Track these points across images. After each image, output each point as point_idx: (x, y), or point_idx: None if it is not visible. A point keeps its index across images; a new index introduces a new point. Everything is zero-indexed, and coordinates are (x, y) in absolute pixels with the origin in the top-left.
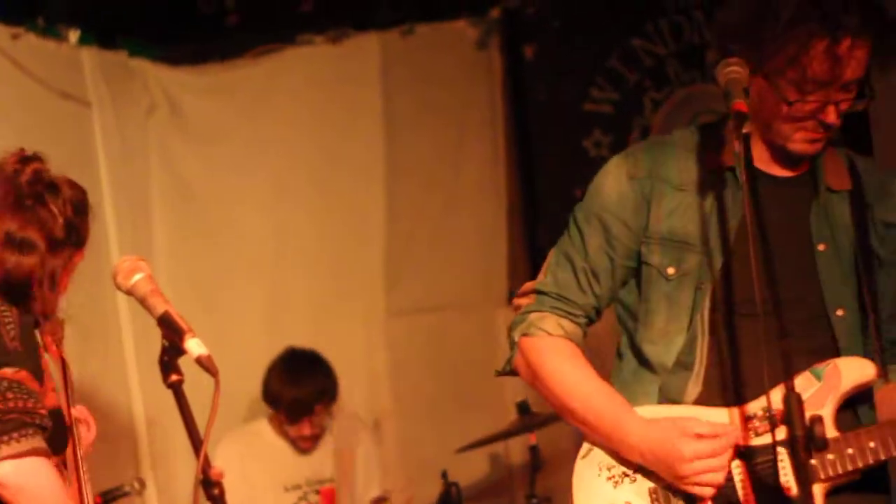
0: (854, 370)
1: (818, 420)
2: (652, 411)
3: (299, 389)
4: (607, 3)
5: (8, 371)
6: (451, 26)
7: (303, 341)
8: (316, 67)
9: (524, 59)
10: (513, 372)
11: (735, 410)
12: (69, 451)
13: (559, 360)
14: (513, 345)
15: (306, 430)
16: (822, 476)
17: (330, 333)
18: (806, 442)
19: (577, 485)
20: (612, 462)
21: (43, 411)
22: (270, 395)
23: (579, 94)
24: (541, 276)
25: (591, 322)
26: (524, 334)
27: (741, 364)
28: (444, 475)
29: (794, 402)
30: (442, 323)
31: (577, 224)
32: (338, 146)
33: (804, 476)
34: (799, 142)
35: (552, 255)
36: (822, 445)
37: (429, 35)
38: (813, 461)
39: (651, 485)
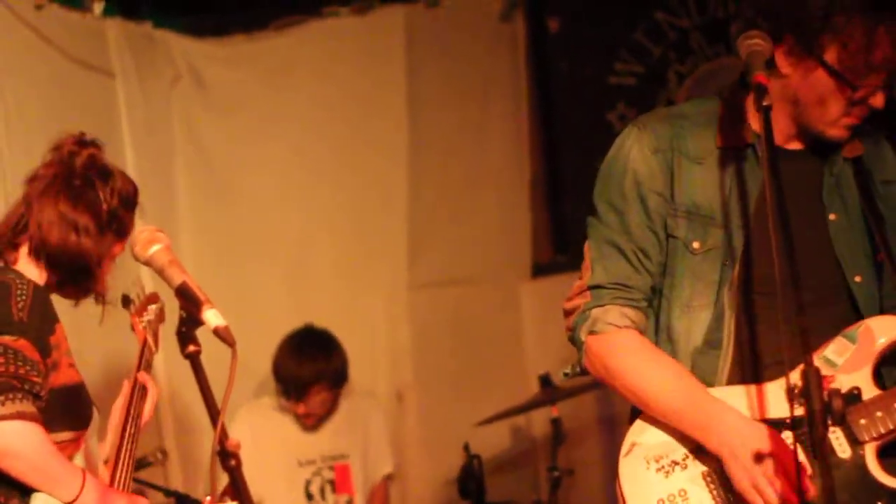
0: (887, 328)
1: (836, 393)
2: None
3: (297, 369)
4: None
5: (8, 339)
6: None
7: (324, 314)
8: (340, 39)
9: (548, 32)
10: (584, 372)
11: (769, 386)
12: (118, 424)
13: (633, 357)
14: (580, 346)
15: (301, 409)
16: (875, 434)
17: (352, 307)
18: (824, 416)
19: (626, 484)
20: (659, 453)
21: (36, 379)
22: (274, 367)
23: (603, 67)
24: (586, 274)
25: (650, 304)
26: (591, 332)
27: (767, 339)
28: (467, 447)
29: (812, 376)
30: (464, 296)
31: (611, 206)
32: (361, 118)
33: (821, 450)
34: (841, 127)
35: (591, 250)
36: (839, 420)
37: (453, 8)
38: (863, 420)
39: (704, 468)
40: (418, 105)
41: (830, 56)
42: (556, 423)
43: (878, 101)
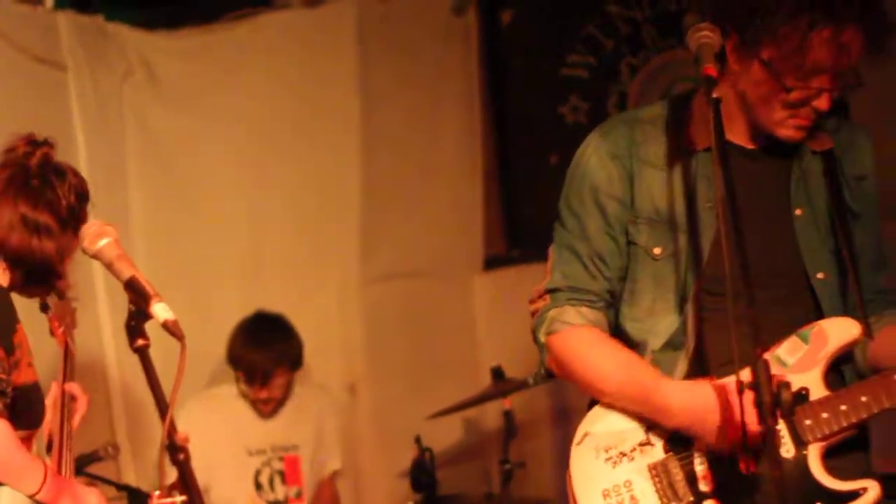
0: (840, 330)
1: (785, 385)
2: None
3: (258, 352)
4: None
5: None
6: None
7: (277, 307)
8: (292, 32)
9: (501, 26)
10: (549, 375)
11: (723, 381)
12: (54, 425)
13: (589, 349)
14: (541, 347)
15: (263, 393)
16: (819, 435)
17: (305, 300)
18: (773, 408)
19: (575, 472)
20: (609, 444)
21: (3, 376)
22: (232, 356)
23: (556, 60)
24: (548, 276)
25: (610, 307)
26: (549, 333)
27: (726, 340)
28: (418, 440)
29: (761, 369)
30: (417, 289)
31: (572, 212)
32: (313, 111)
33: (771, 442)
34: (789, 128)
35: (553, 254)
36: (788, 412)
37: (406, 1)
38: (808, 421)
39: (650, 461)
40: (370, 98)
41: (767, 56)
42: (508, 415)
43: (821, 103)
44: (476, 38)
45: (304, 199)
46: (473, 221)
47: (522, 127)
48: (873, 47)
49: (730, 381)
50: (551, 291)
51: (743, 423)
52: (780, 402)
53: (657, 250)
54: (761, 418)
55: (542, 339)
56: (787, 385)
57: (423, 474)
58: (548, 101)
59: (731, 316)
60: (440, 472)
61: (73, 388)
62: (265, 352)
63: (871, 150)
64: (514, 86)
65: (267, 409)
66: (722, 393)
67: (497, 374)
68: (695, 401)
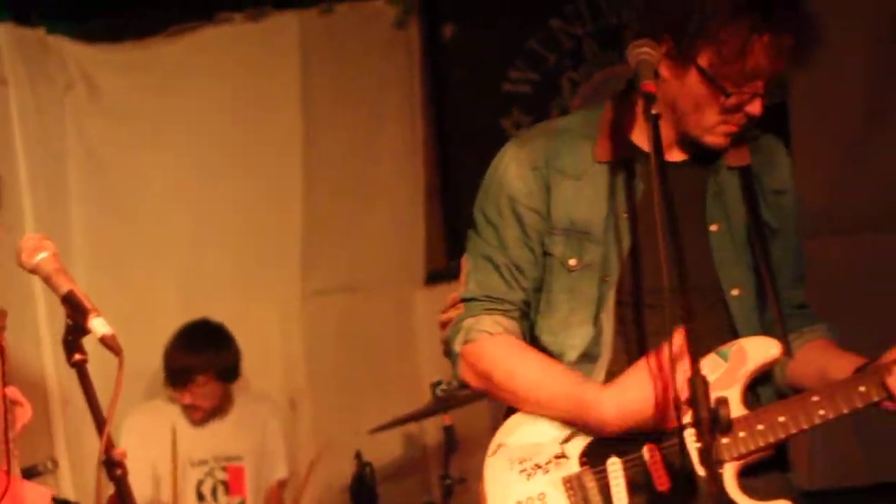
0: (759, 349)
1: (723, 402)
2: None
3: (185, 355)
4: None
5: None
6: (370, 5)
7: (218, 320)
8: (234, 45)
9: (443, 39)
10: (461, 385)
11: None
12: None
13: (506, 356)
14: (454, 358)
15: (186, 398)
16: (735, 454)
17: (246, 313)
18: (711, 424)
19: (488, 483)
20: (524, 455)
21: None
22: (164, 356)
23: (498, 74)
24: (462, 286)
25: (525, 317)
26: (466, 342)
27: (643, 353)
28: (359, 455)
29: (699, 384)
30: (358, 303)
31: (488, 221)
32: (255, 125)
33: (709, 458)
34: (718, 134)
35: (468, 262)
36: (726, 428)
37: (347, 14)
38: (725, 440)
39: (565, 474)
40: (312, 112)
41: (704, 61)
42: (448, 430)
43: (755, 108)
44: (418, 52)
45: (246, 211)
46: (415, 235)
47: (464, 141)
48: (803, 56)
49: (614, 461)
50: (467, 301)
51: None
52: (718, 419)
53: (573, 262)
54: (699, 434)
55: (458, 348)
56: (725, 401)
57: (363, 489)
58: (490, 115)
59: (669, 331)
60: (381, 486)
61: (15, 393)
62: (192, 355)
63: (790, 164)
64: (457, 100)
65: (195, 416)
66: (651, 370)
67: (438, 389)
68: (631, 404)
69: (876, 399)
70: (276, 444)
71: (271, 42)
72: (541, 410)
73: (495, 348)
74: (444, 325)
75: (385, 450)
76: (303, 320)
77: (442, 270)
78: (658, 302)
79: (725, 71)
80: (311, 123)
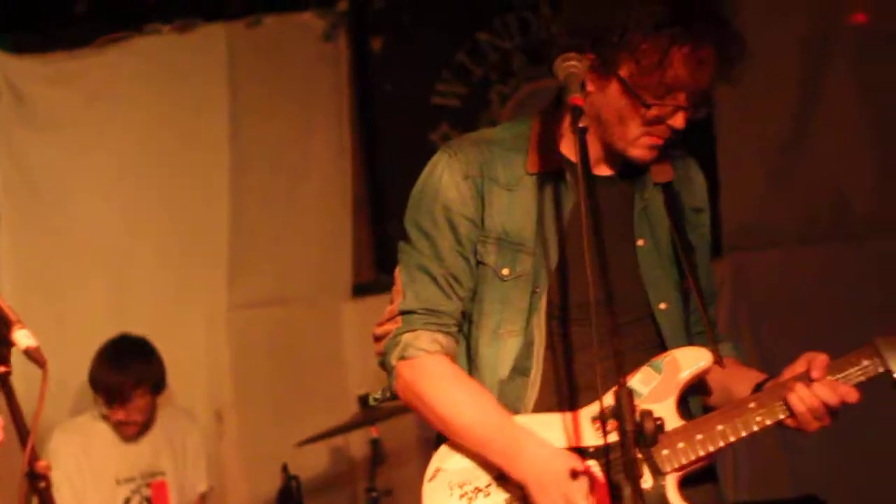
0: (692, 359)
1: (648, 415)
2: None
3: (117, 373)
4: None
5: None
6: (298, 18)
7: (145, 332)
8: (162, 57)
9: (371, 52)
10: (394, 397)
11: (578, 413)
12: None
13: (441, 382)
14: (391, 371)
15: (121, 415)
16: (676, 465)
17: (173, 325)
18: (636, 437)
19: None
20: (463, 479)
21: None
22: (92, 378)
23: (426, 87)
24: (397, 299)
25: (461, 329)
26: (401, 358)
27: (579, 366)
28: (285, 468)
29: (624, 398)
30: (285, 316)
31: (422, 232)
32: (183, 136)
33: (632, 472)
34: (642, 147)
35: (402, 275)
36: (651, 441)
37: (275, 26)
38: (665, 451)
39: (506, 496)
40: (240, 124)
41: (625, 73)
42: (375, 443)
43: (677, 121)
44: (346, 65)
45: (173, 223)
46: (342, 248)
47: (393, 154)
48: (726, 69)
49: (593, 464)
50: (405, 313)
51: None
52: (643, 432)
53: (505, 271)
54: (623, 448)
55: (394, 362)
56: (650, 414)
57: (290, 502)
58: (418, 128)
59: (595, 342)
60: (307, 500)
61: None
62: (124, 373)
63: (704, 184)
64: (385, 113)
65: (128, 431)
66: (583, 464)
67: (364, 401)
68: (550, 463)
69: (781, 416)
70: (198, 458)
71: (199, 54)
72: (464, 439)
73: (431, 370)
74: (380, 338)
75: (312, 462)
76: (230, 332)
77: (369, 283)
78: (585, 316)
79: (645, 82)
80: (239, 135)
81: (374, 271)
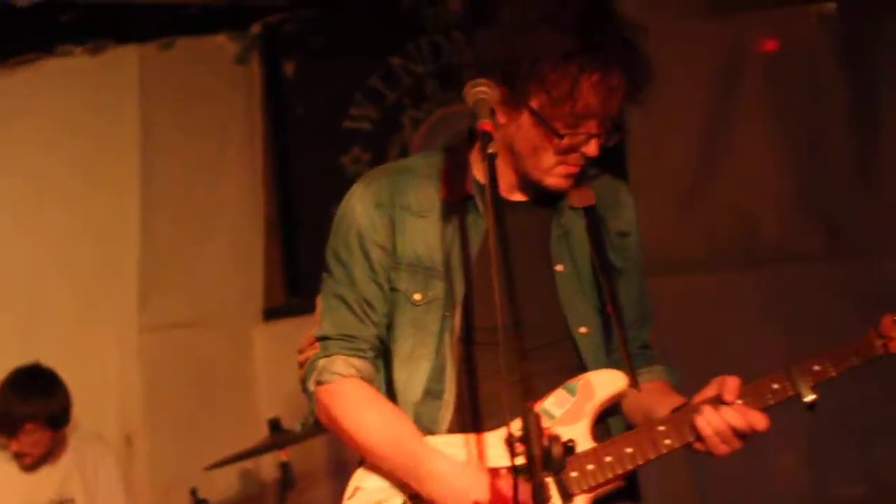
0: (606, 382)
1: (556, 439)
2: None
3: (10, 404)
4: (368, 22)
5: None
6: (211, 41)
7: (55, 357)
8: (74, 79)
9: (284, 76)
10: (318, 423)
11: (488, 435)
12: None
13: (355, 405)
14: (310, 396)
15: (14, 446)
16: (585, 487)
17: (83, 348)
18: (544, 461)
19: None
20: (380, 498)
21: None
22: None
23: (339, 111)
24: (316, 325)
25: (378, 354)
26: (318, 382)
27: (490, 389)
28: (194, 492)
29: (531, 422)
30: (196, 339)
31: (339, 260)
32: (94, 158)
33: (540, 496)
34: (557, 176)
35: (321, 303)
36: (559, 466)
37: (188, 49)
38: (574, 473)
39: None
40: (152, 146)
41: (536, 104)
42: (284, 467)
43: (591, 149)
44: (259, 88)
45: (83, 245)
46: (254, 271)
47: (305, 177)
48: (634, 94)
49: (503, 468)
50: (321, 339)
51: None
52: (550, 457)
53: (417, 296)
54: (531, 472)
55: (312, 388)
56: (558, 439)
57: None
58: (330, 152)
59: (502, 368)
60: None
61: None
62: (20, 403)
63: (633, 206)
64: (298, 136)
65: (24, 462)
66: (491, 482)
67: (274, 425)
68: (458, 481)
69: (690, 440)
70: (112, 483)
71: (111, 76)
72: (377, 460)
73: (345, 394)
74: (301, 364)
75: (222, 486)
76: (140, 356)
77: (280, 307)
78: (493, 339)
79: (557, 112)
80: (151, 157)
81: (286, 295)
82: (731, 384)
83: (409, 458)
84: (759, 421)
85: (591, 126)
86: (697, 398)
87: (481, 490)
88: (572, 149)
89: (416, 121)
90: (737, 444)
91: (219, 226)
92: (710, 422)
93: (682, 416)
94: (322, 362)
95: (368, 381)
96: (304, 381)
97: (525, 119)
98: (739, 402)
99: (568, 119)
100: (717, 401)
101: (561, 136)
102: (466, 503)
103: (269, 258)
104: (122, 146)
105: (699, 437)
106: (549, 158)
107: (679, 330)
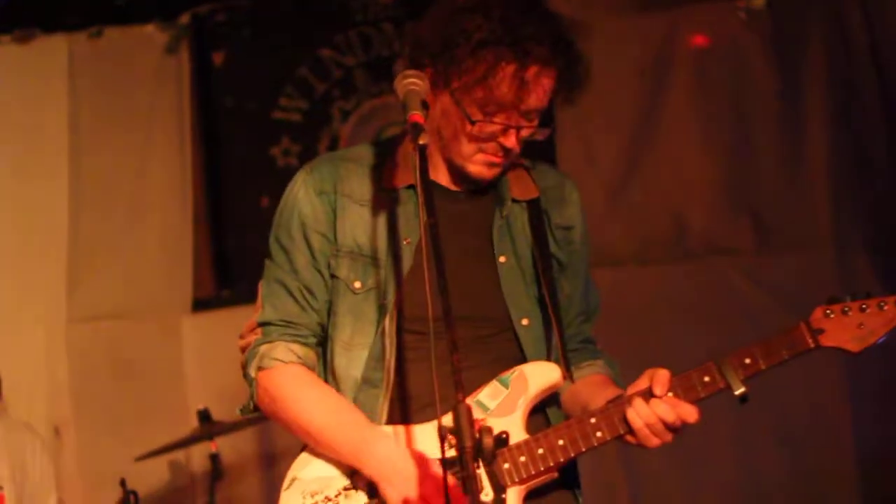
0: (540, 374)
1: (487, 431)
2: None
3: None
4: (298, 13)
5: None
6: (140, 30)
7: None
8: (2, 67)
9: (213, 66)
10: (256, 409)
11: (423, 426)
12: None
13: (296, 389)
14: (251, 382)
15: None
16: (517, 479)
17: (11, 338)
18: (475, 453)
19: None
20: (316, 489)
21: None
22: None
23: (268, 102)
24: (257, 311)
25: (320, 340)
26: (260, 368)
27: (425, 380)
28: (123, 483)
29: (462, 414)
30: (125, 330)
31: (281, 246)
32: (21, 147)
33: (472, 487)
34: (478, 164)
35: (262, 288)
36: (489, 457)
37: (117, 38)
38: (507, 465)
39: None
40: (80, 135)
41: (455, 87)
42: (214, 458)
43: (509, 140)
44: (188, 78)
45: (10, 236)
46: (183, 263)
47: (234, 168)
48: (565, 92)
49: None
50: (263, 325)
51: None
52: (481, 448)
53: (357, 284)
54: (462, 464)
55: (253, 373)
56: (489, 430)
57: None
58: (260, 143)
59: (433, 359)
60: None
61: None
62: None
63: (579, 201)
64: (226, 127)
65: None
66: (428, 471)
67: (204, 416)
68: (405, 465)
69: (621, 432)
70: (43, 472)
71: (39, 64)
72: (318, 442)
73: (286, 378)
74: (242, 350)
75: (151, 477)
76: (68, 346)
77: (209, 298)
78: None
79: (470, 98)
80: (79, 146)
81: (215, 286)
82: (661, 377)
83: (355, 439)
84: (690, 413)
85: (507, 117)
86: (630, 390)
87: (419, 470)
88: (490, 137)
89: (345, 112)
90: (668, 436)
91: (147, 217)
92: (641, 414)
93: (614, 409)
94: (263, 348)
95: (310, 367)
96: (244, 367)
97: (446, 101)
98: (670, 394)
99: (482, 105)
100: (648, 393)
101: (473, 122)
102: (411, 486)
103: (198, 249)
104: (50, 135)
105: (630, 430)
106: (466, 144)
107: (609, 322)
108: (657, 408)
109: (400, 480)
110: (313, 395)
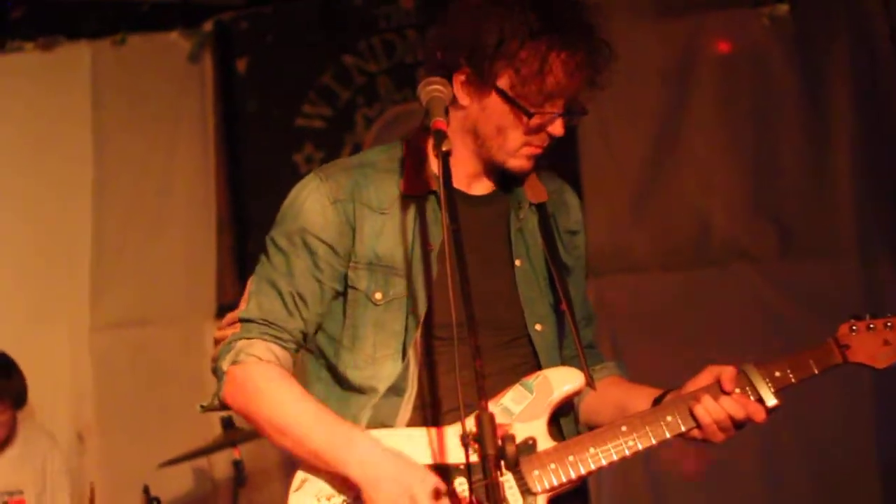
0: (563, 380)
1: (510, 438)
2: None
3: None
4: (321, 20)
5: None
6: (164, 38)
7: (3, 349)
8: (25, 75)
9: (236, 73)
10: (222, 406)
11: (445, 430)
12: None
13: (275, 386)
14: (221, 376)
15: None
16: (547, 486)
17: (35, 345)
18: (497, 460)
19: None
20: (331, 491)
21: None
22: None
23: (291, 109)
24: (242, 305)
25: (299, 348)
26: (234, 362)
27: (451, 387)
28: (146, 490)
29: (486, 421)
30: (148, 336)
31: (279, 248)
32: (46, 155)
33: (495, 495)
34: (521, 157)
35: (252, 283)
36: (513, 464)
37: (141, 46)
38: (536, 472)
39: None
40: (104, 142)
41: (504, 83)
42: (237, 465)
43: (557, 128)
44: (211, 85)
45: (35, 242)
46: (206, 269)
47: (257, 175)
48: (595, 75)
49: (461, 482)
50: (245, 321)
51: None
52: (505, 456)
53: (378, 295)
54: (485, 470)
55: (225, 367)
56: (512, 438)
57: None
58: (283, 150)
59: (457, 365)
60: None
61: None
62: None
63: (580, 206)
64: (250, 134)
65: None
66: (418, 473)
67: (227, 423)
68: (392, 466)
69: (684, 429)
70: (59, 481)
71: (63, 72)
72: (293, 444)
73: (263, 375)
74: (217, 342)
75: (174, 484)
76: (92, 353)
77: (233, 303)
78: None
79: (526, 91)
80: (103, 154)
81: (238, 291)
82: (728, 374)
83: (333, 443)
84: (757, 412)
85: (558, 105)
86: (689, 387)
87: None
88: (539, 128)
89: (368, 119)
90: (732, 432)
91: (171, 223)
92: (710, 410)
93: (653, 415)
94: (241, 343)
95: (285, 369)
96: (216, 360)
97: (492, 100)
98: (738, 391)
99: (536, 98)
100: (716, 390)
101: (530, 115)
102: (397, 489)
103: (221, 255)
104: (74, 142)
105: (698, 425)
106: (515, 139)
107: (632, 328)
108: (727, 404)
109: (386, 484)
110: (289, 396)
